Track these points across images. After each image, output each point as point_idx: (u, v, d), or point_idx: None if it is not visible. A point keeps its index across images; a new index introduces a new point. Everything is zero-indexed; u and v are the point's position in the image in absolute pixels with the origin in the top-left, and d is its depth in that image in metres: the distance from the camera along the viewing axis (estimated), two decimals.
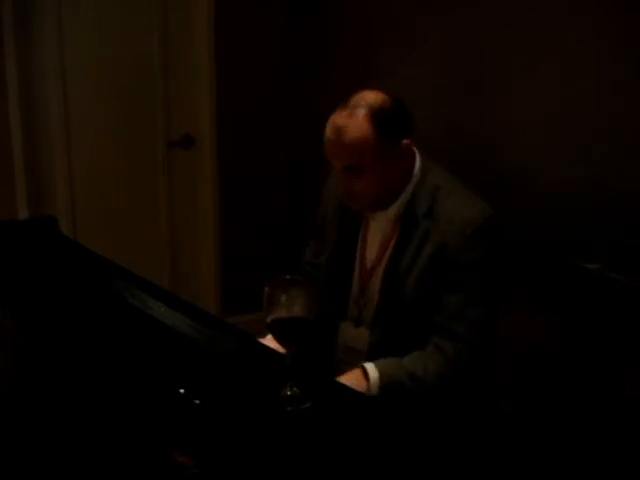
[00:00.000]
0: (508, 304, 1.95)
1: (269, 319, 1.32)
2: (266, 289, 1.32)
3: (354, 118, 1.62)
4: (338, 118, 1.64)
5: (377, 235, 1.82)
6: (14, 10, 2.70)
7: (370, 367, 1.65)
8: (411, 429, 1.35)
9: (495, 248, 1.72)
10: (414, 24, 2.73)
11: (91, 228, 2.99)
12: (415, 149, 1.77)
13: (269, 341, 1.62)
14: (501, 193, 2.39)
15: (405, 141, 1.68)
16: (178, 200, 3.24)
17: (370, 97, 1.66)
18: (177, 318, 1.66)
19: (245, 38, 3.19)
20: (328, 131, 1.66)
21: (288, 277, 1.34)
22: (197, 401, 1.25)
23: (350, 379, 1.61)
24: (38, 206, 2.89)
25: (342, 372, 1.82)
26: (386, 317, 1.77)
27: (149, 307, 1.72)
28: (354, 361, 1.85)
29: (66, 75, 2.87)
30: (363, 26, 2.97)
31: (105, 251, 2.03)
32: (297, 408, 1.30)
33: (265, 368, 1.48)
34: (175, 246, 3.28)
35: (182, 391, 1.27)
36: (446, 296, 1.69)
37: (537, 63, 2.30)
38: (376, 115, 1.62)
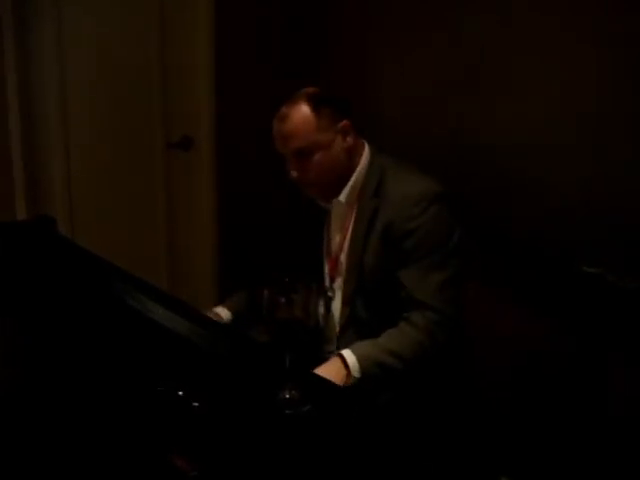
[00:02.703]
0: (507, 306, 1.95)
1: (268, 321, 1.32)
2: (265, 292, 1.32)
3: (294, 106, 1.84)
4: (281, 110, 1.85)
5: (337, 223, 1.94)
6: (13, 10, 2.69)
7: (347, 353, 1.69)
8: (410, 431, 1.34)
9: (444, 217, 1.79)
10: (414, 24, 2.72)
11: (89, 229, 2.98)
12: (363, 140, 1.92)
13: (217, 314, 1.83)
14: (500, 195, 2.39)
15: (344, 121, 1.85)
16: (176, 201, 3.23)
17: (306, 89, 1.88)
18: (176, 320, 1.65)
19: (245, 38, 3.19)
20: (274, 123, 1.86)
21: (287, 280, 1.34)
22: (195, 403, 1.25)
23: (329, 369, 1.63)
24: (36, 207, 2.88)
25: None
26: (352, 299, 1.85)
27: (147, 309, 1.71)
28: (326, 348, 1.88)
29: (65, 76, 2.85)
30: (363, 26, 2.96)
31: (103, 252, 2.02)
32: (296, 411, 1.30)
33: (264, 371, 1.48)
34: (173, 247, 3.27)
35: (180, 393, 1.27)
36: (403, 269, 1.77)
37: (537, 63, 2.29)
38: (313, 99, 1.83)
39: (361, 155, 1.90)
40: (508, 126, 2.41)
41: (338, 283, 1.91)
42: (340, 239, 1.92)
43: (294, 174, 1.87)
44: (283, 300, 1.31)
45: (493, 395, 1.94)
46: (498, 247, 2.10)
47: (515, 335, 1.97)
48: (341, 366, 1.66)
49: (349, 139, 1.86)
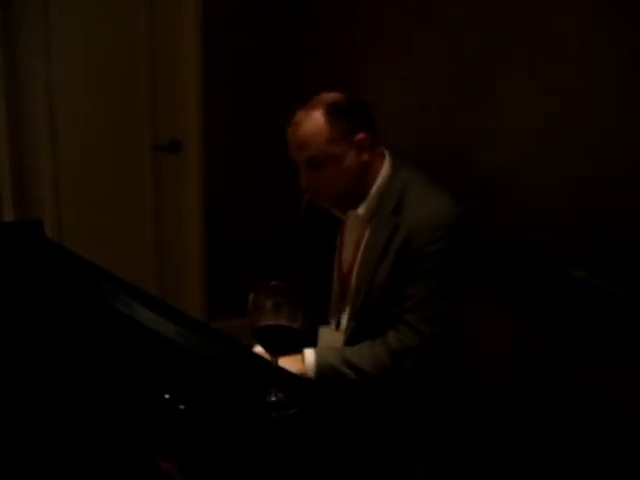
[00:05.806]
0: (492, 310, 1.96)
1: (254, 325, 1.32)
2: (251, 295, 1.32)
3: (309, 114, 1.74)
4: (296, 116, 1.77)
5: (352, 237, 1.87)
6: (1, 11, 2.69)
7: (308, 352, 1.73)
8: (396, 433, 1.35)
9: (461, 244, 1.75)
10: (406, 25, 2.72)
11: (77, 232, 2.98)
12: (384, 149, 1.84)
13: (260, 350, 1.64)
14: (494, 196, 2.37)
15: (360, 135, 1.75)
16: (164, 204, 3.23)
17: (326, 96, 1.78)
18: (163, 323, 1.66)
19: (234, 41, 3.19)
20: (288, 129, 1.77)
21: (274, 283, 1.34)
22: (182, 406, 1.25)
23: (288, 362, 1.64)
24: (24, 210, 2.88)
25: None
26: (360, 314, 1.81)
27: (135, 312, 1.71)
28: None
29: (53, 78, 2.86)
30: (351, 27, 2.96)
31: (90, 255, 2.02)
32: (282, 414, 1.30)
33: (250, 374, 1.48)
34: (161, 250, 3.27)
35: (167, 396, 1.27)
36: (408, 288, 1.73)
37: (536, 63, 2.26)
38: (329, 109, 1.73)
39: (380, 168, 1.81)
40: (496, 127, 2.39)
41: (348, 296, 1.86)
42: (353, 253, 1.85)
43: (303, 184, 1.78)
44: (269, 304, 1.32)
45: (480, 395, 1.96)
46: (484, 250, 2.09)
47: (499, 340, 1.98)
48: (300, 362, 1.72)
49: (365, 154, 1.77)
